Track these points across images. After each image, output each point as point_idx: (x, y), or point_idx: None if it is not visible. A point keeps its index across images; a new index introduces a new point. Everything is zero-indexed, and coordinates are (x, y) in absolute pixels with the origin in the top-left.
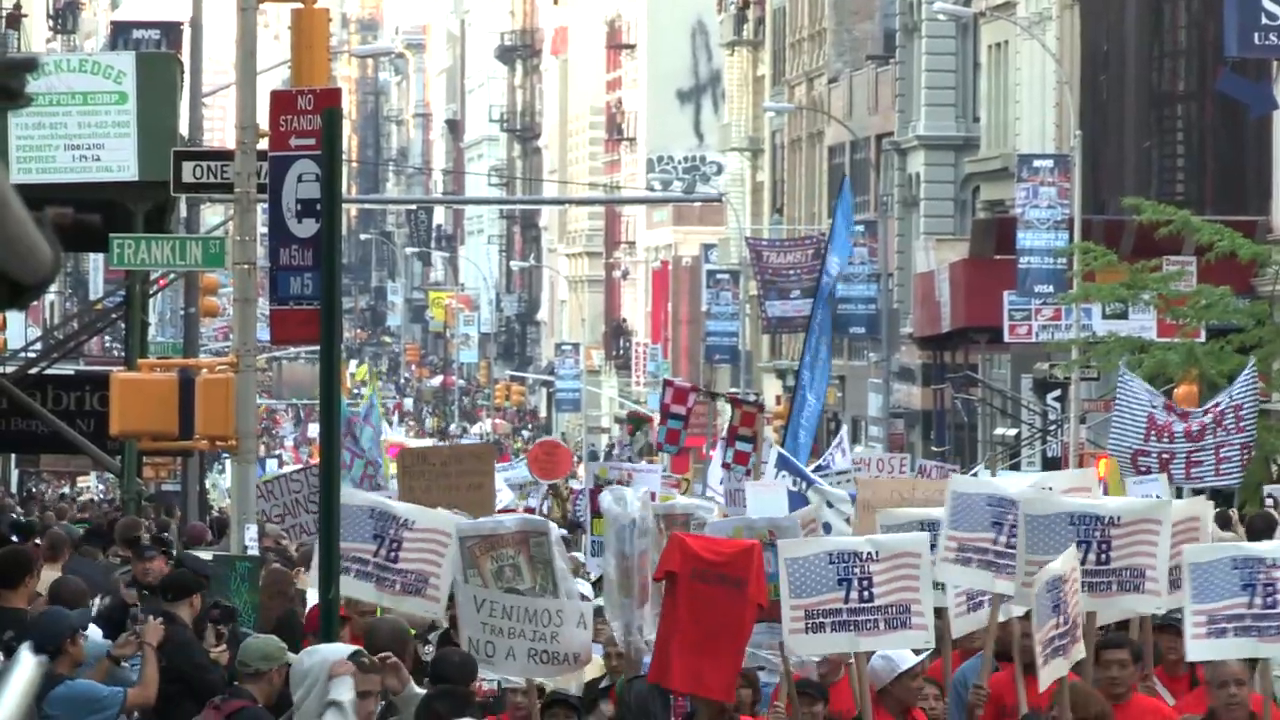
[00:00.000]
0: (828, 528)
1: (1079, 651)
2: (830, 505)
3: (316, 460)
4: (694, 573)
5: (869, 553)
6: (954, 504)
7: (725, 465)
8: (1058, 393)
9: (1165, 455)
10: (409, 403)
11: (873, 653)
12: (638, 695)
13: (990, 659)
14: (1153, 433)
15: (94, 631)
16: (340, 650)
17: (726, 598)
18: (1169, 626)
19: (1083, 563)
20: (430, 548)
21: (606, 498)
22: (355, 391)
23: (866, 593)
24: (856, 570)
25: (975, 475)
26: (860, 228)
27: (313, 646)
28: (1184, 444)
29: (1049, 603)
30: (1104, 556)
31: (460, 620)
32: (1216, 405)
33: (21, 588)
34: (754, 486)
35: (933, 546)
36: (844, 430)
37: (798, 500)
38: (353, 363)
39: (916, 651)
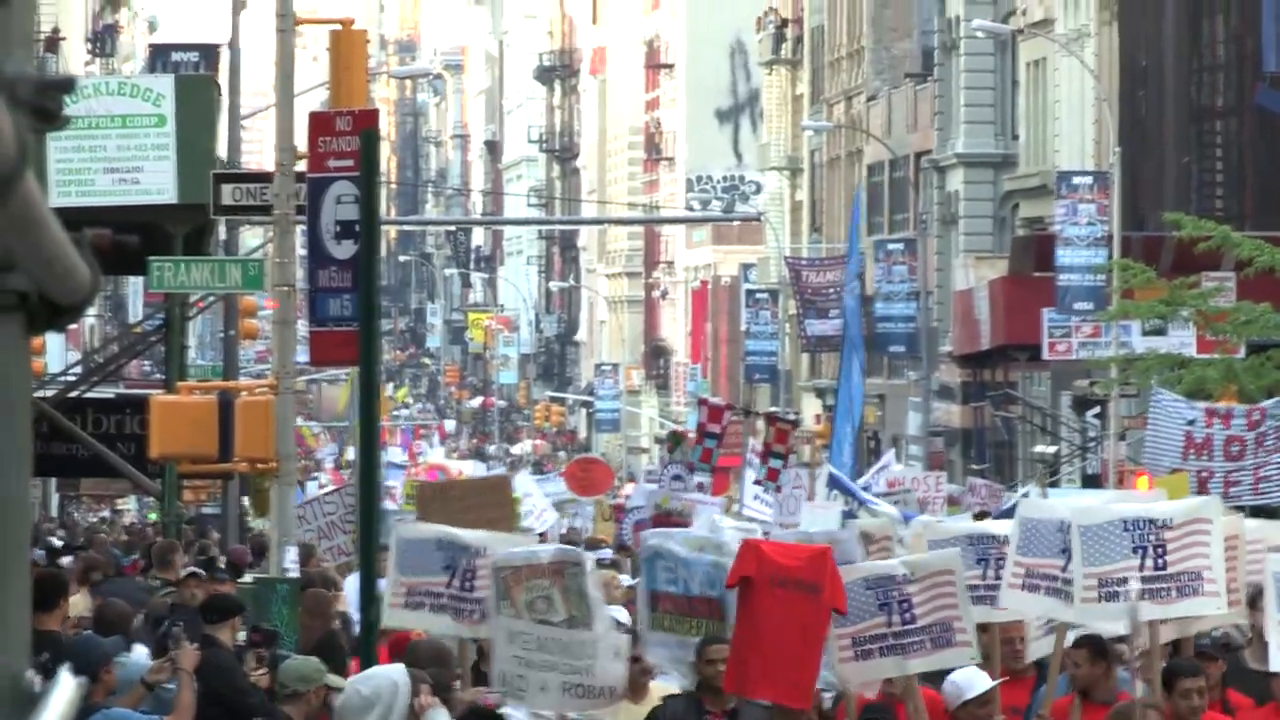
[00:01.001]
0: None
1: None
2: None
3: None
4: (771, 579)
5: (904, 574)
6: (1022, 529)
7: (757, 482)
8: (1097, 410)
9: (1205, 474)
10: (450, 424)
11: (922, 674)
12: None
13: (1055, 685)
14: (1191, 450)
15: (140, 652)
16: (400, 673)
17: (803, 603)
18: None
19: (1140, 569)
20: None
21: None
22: (395, 413)
23: (908, 614)
24: (895, 594)
25: (1027, 495)
26: (900, 245)
27: (370, 671)
28: (1222, 462)
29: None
30: (1161, 561)
31: (493, 654)
32: (1257, 421)
33: (56, 610)
34: (810, 506)
35: (980, 561)
36: (889, 454)
37: (850, 520)
38: (390, 385)
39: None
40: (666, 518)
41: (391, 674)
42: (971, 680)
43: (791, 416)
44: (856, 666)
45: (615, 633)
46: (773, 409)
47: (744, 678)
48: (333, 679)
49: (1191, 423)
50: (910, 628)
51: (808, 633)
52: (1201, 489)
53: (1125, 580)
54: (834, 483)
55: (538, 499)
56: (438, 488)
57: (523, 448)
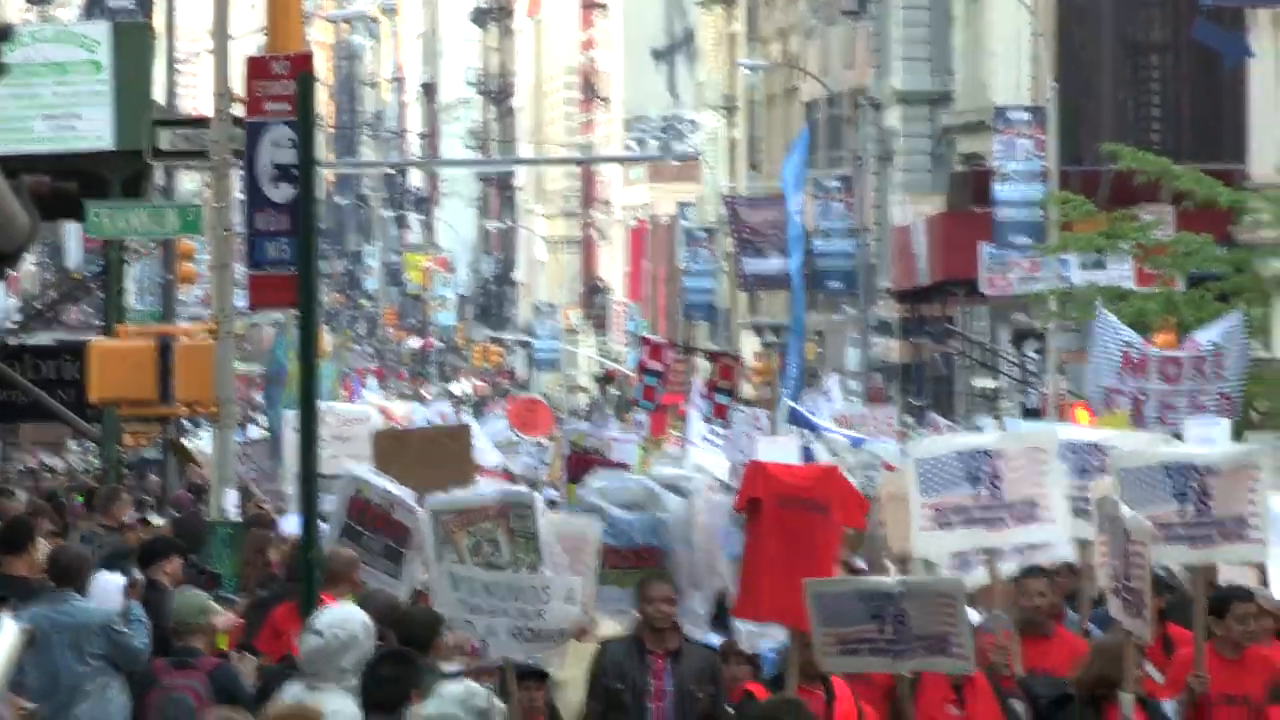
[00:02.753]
0: None
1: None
2: (834, 455)
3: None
4: (779, 499)
5: (900, 593)
6: (920, 470)
7: (707, 420)
8: (1036, 344)
9: (1140, 395)
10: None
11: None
12: None
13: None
14: (1128, 370)
15: (109, 579)
16: (363, 614)
17: (813, 524)
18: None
19: (1180, 515)
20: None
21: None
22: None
23: (902, 626)
24: (890, 609)
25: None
26: (837, 183)
27: (338, 614)
28: (1158, 384)
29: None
30: (1203, 506)
31: (434, 601)
32: (1196, 347)
33: (25, 555)
34: (765, 443)
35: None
36: (834, 378)
37: (807, 456)
38: (328, 328)
39: None
40: (584, 455)
41: (359, 614)
42: None
43: (734, 353)
44: (841, 660)
45: (568, 575)
46: (713, 346)
47: (755, 602)
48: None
49: (1129, 344)
50: (903, 635)
51: (818, 553)
52: (1137, 411)
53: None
54: (794, 417)
55: (480, 440)
56: (395, 437)
57: (462, 388)
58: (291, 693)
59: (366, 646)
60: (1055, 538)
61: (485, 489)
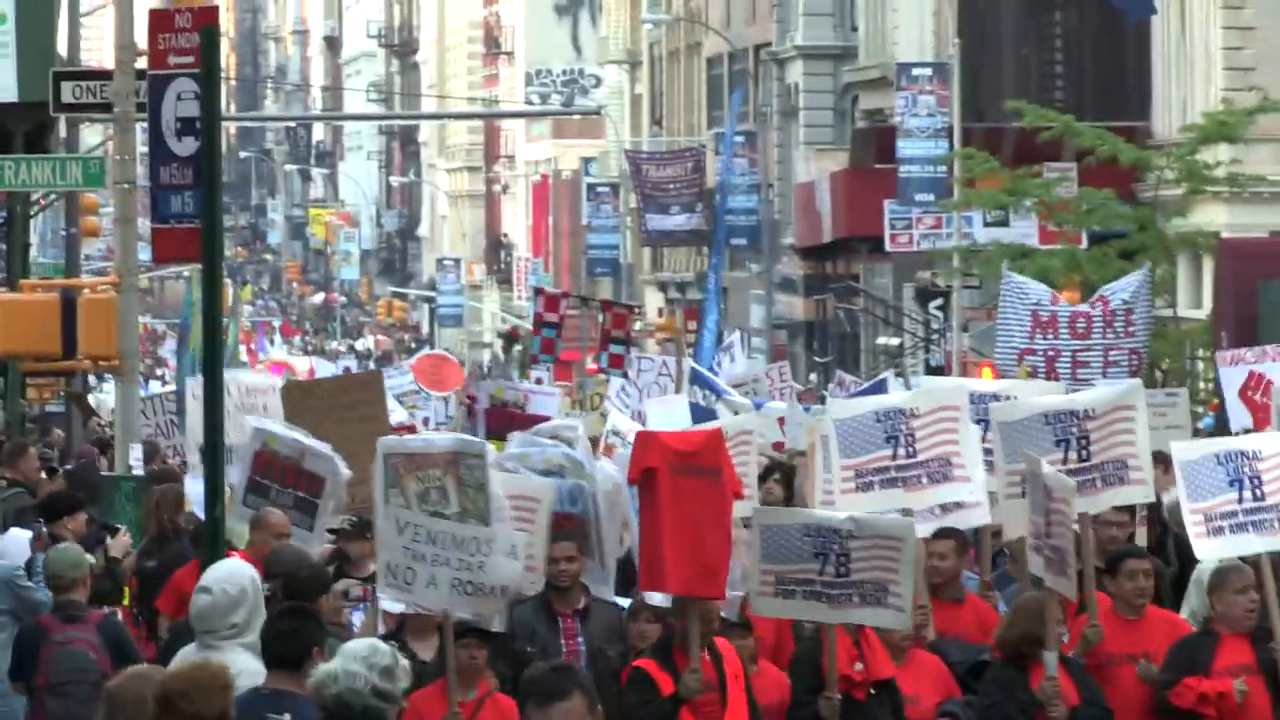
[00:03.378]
0: None
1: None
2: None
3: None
4: (673, 467)
5: (849, 530)
6: (840, 431)
7: (601, 370)
8: (940, 301)
9: (1051, 353)
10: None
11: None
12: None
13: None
14: (1038, 330)
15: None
16: (250, 568)
17: (706, 489)
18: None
19: (1064, 462)
20: (519, 515)
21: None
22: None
23: (843, 568)
24: (835, 546)
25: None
26: (740, 138)
27: (226, 569)
28: (1069, 341)
29: (1040, 501)
30: (1085, 453)
31: (379, 544)
32: (1106, 303)
33: None
34: (654, 403)
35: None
36: (736, 336)
37: (702, 414)
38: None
39: None
40: (503, 409)
41: (245, 568)
42: None
43: (628, 303)
44: (776, 603)
45: (512, 530)
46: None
47: (656, 574)
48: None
49: (1038, 302)
50: (842, 580)
51: (714, 519)
52: (1050, 369)
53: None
54: (696, 378)
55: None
56: (304, 387)
57: (365, 343)
58: (185, 652)
59: (257, 602)
60: (971, 495)
61: (437, 436)
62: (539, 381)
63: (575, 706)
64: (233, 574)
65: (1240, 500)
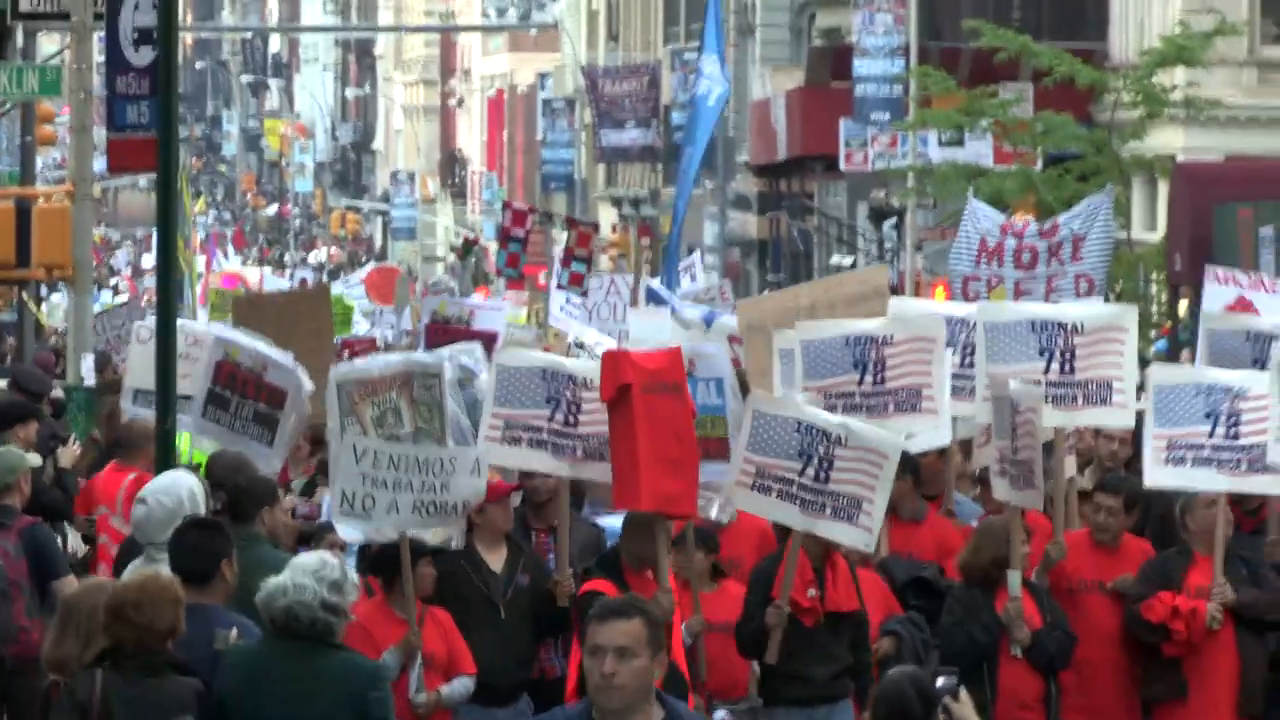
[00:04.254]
0: None
1: (1032, 495)
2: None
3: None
4: (644, 386)
5: (839, 435)
6: (806, 352)
7: (560, 287)
8: (894, 221)
9: (994, 280)
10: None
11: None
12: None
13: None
14: (983, 256)
15: None
16: (193, 479)
17: (673, 405)
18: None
19: (1045, 372)
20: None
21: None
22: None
23: (823, 474)
24: (820, 448)
25: None
26: (696, 55)
27: (165, 481)
28: (1012, 270)
29: (1006, 421)
30: (1068, 367)
31: (333, 473)
32: (1053, 231)
33: None
34: (635, 313)
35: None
36: (696, 254)
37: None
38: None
39: None
40: (445, 325)
41: (187, 480)
42: None
43: (592, 221)
44: (751, 496)
45: (472, 446)
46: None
47: (630, 491)
48: (33, 458)
49: (987, 230)
50: (820, 487)
51: (682, 436)
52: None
53: (1034, 383)
54: (651, 295)
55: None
56: (252, 301)
57: (318, 256)
58: (132, 565)
59: (196, 510)
60: (936, 427)
61: (391, 357)
62: (505, 299)
63: (634, 629)
64: (170, 486)
65: (1211, 435)
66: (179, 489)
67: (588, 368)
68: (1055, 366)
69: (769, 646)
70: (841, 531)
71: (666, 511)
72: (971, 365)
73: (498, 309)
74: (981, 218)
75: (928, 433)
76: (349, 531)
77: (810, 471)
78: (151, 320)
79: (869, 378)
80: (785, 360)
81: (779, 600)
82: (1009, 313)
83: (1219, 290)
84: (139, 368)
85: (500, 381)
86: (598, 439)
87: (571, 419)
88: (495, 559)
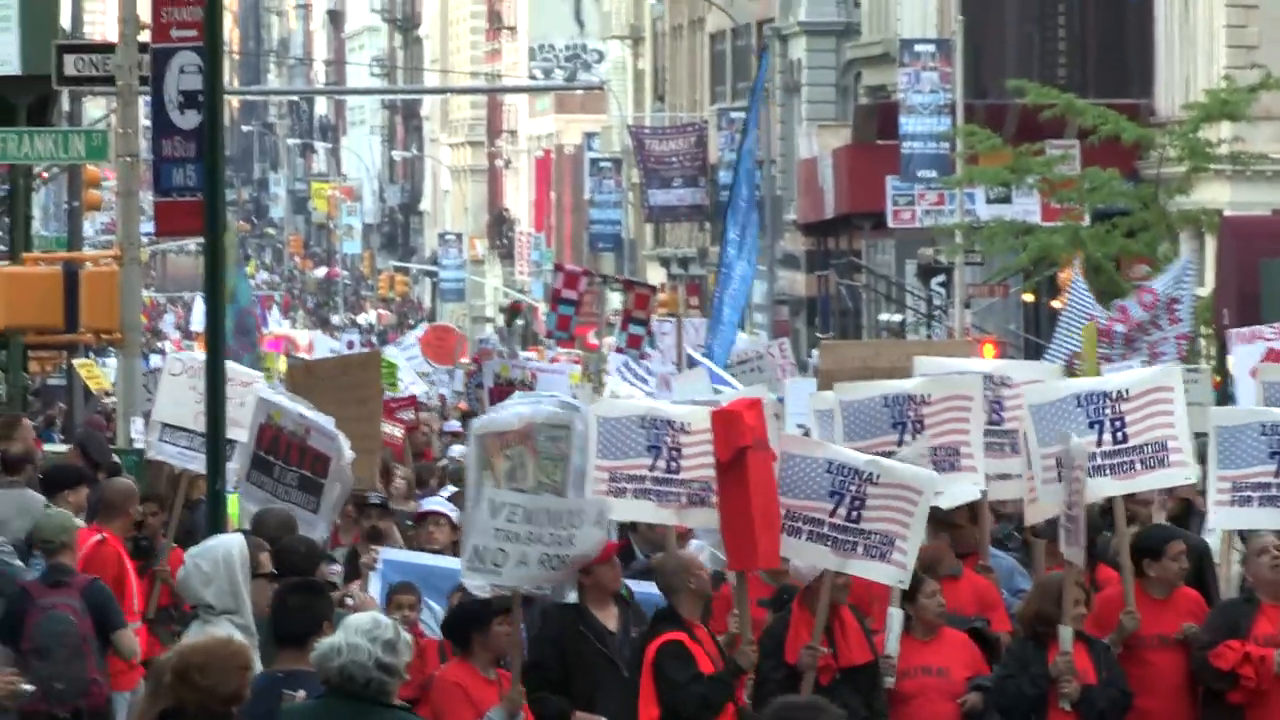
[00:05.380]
0: None
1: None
2: None
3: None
4: (755, 443)
5: (871, 474)
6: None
7: (617, 349)
8: (942, 278)
9: (1101, 359)
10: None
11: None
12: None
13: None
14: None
15: None
16: (237, 542)
17: (769, 461)
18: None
19: (1098, 444)
20: (710, 449)
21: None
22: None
23: (855, 513)
24: (851, 487)
25: None
26: (742, 114)
27: (208, 543)
28: (1120, 348)
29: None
30: (1120, 435)
31: (467, 529)
32: (1152, 301)
33: None
34: (680, 376)
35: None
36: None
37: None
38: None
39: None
40: (509, 387)
41: (228, 544)
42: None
43: (650, 284)
44: (781, 540)
45: (598, 497)
46: (628, 277)
47: (750, 552)
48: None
49: (1097, 312)
50: (852, 525)
51: (773, 490)
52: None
53: (1090, 456)
54: (692, 363)
55: (405, 371)
56: (306, 367)
57: (367, 318)
58: (192, 629)
59: (230, 577)
60: (972, 485)
61: (523, 408)
62: (555, 360)
63: None
64: (208, 550)
65: (1278, 474)
66: (215, 553)
67: (686, 412)
68: (1107, 436)
69: (801, 689)
70: (875, 570)
71: (771, 568)
72: (1002, 421)
73: (560, 371)
74: (1087, 299)
75: (958, 487)
76: (476, 584)
77: (842, 511)
78: (185, 354)
79: (908, 437)
80: (823, 421)
81: (813, 642)
82: (1053, 391)
83: (1245, 349)
84: (167, 402)
85: (602, 433)
86: (700, 484)
87: (674, 465)
88: (609, 617)
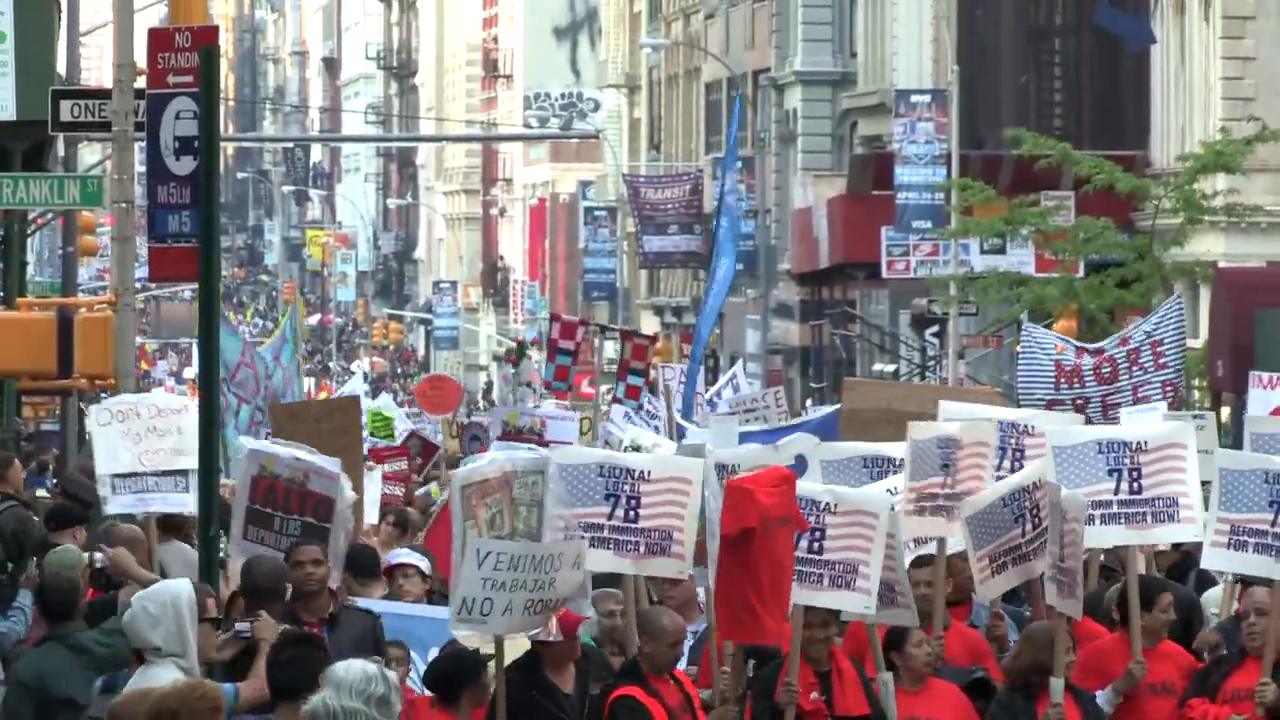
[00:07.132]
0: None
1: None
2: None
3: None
4: (765, 523)
5: (826, 503)
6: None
7: (615, 399)
8: (936, 328)
9: (1080, 400)
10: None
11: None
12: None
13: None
14: (1063, 380)
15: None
16: (184, 587)
17: (785, 539)
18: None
19: (1115, 492)
20: (671, 499)
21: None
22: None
23: (817, 545)
24: (813, 519)
25: None
26: (737, 164)
27: (156, 587)
28: (1097, 387)
29: (1056, 529)
30: (1136, 486)
31: (456, 579)
32: (1127, 342)
33: None
34: (714, 420)
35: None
36: (738, 365)
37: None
38: (229, 304)
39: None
40: (517, 435)
41: (175, 588)
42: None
43: (648, 334)
44: None
45: (572, 541)
46: (624, 326)
47: (758, 628)
48: (99, 557)
49: (1061, 359)
50: (816, 558)
51: (787, 565)
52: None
53: (1105, 503)
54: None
55: (400, 421)
56: (290, 411)
57: (361, 365)
58: (138, 673)
59: (178, 621)
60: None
61: (498, 455)
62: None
63: None
64: (157, 594)
65: (1275, 523)
66: (163, 596)
67: (645, 460)
68: (1124, 485)
69: None
70: (842, 599)
71: (770, 644)
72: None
73: (570, 418)
74: (1046, 340)
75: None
76: (464, 634)
77: (803, 544)
78: (106, 401)
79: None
80: (828, 471)
81: (789, 678)
82: (1077, 435)
83: (1263, 395)
84: (105, 455)
85: (560, 481)
86: (659, 533)
87: (632, 514)
88: (565, 680)
